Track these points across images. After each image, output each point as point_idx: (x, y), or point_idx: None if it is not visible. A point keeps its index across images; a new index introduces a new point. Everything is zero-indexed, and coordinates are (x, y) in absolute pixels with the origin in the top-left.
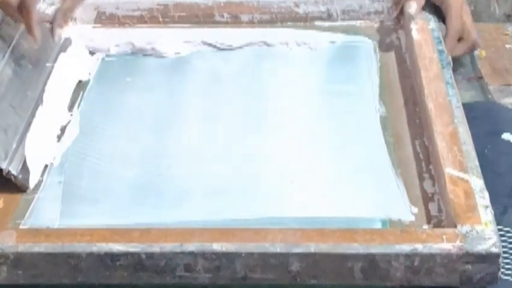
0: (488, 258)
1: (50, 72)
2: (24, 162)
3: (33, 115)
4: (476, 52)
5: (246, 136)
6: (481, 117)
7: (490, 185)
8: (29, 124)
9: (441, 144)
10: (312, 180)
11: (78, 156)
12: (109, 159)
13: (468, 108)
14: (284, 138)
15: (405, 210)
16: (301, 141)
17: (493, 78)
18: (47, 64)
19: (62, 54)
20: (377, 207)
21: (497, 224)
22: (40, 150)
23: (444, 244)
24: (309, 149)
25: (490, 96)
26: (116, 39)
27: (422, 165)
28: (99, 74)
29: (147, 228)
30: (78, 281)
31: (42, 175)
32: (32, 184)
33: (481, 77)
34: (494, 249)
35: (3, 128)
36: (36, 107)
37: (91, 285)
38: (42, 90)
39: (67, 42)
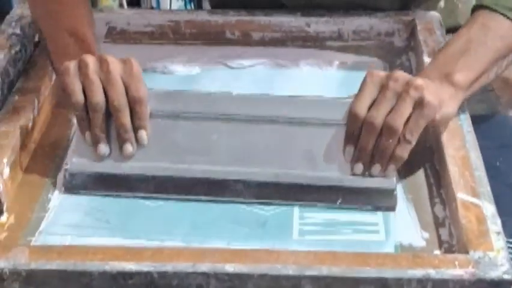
0: (501, 285)
1: None
2: None
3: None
4: None
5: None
6: (492, 130)
7: (502, 197)
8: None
9: (453, 169)
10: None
11: None
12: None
13: (479, 120)
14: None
15: (417, 236)
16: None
17: (504, 91)
18: None
19: None
20: (388, 232)
21: (510, 237)
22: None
23: (456, 270)
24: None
25: (501, 108)
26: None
27: (433, 189)
28: None
29: (160, 247)
30: None
31: (52, 193)
32: None
33: (492, 90)
34: (507, 276)
35: None
36: None
37: None
38: None
39: None
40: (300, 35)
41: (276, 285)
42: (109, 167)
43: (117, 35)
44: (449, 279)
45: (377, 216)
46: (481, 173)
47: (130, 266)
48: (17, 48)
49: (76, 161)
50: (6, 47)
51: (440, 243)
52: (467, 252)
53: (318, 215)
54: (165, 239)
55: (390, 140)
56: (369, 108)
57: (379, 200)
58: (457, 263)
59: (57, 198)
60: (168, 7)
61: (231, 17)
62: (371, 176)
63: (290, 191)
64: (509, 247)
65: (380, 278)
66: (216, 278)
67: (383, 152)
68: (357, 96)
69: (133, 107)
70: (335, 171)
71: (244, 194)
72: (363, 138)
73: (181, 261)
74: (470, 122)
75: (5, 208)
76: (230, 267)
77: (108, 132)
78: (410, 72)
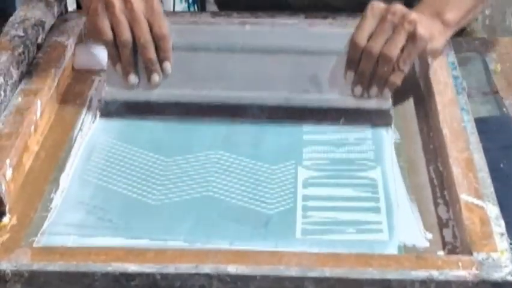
0: (504, 287)
1: None
2: None
3: None
4: (491, 66)
5: (257, 161)
6: (496, 132)
7: (505, 199)
8: None
9: (457, 171)
10: (324, 205)
11: (91, 175)
12: (125, 179)
13: (483, 122)
14: (294, 164)
15: (420, 236)
16: (313, 167)
17: (509, 93)
18: None
19: None
20: (391, 232)
21: None
22: None
23: (460, 271)
24: (320, 174)
25: (505, 110)
26: None
27: (436, 191)
28: None
29: (162, 248)
30: None
31: (55, 192)
32: None
33: (496, 91)
34: (511, 278)
35: None
36: None
37: None
38: None
39: None
40: None
41: (279, 287)
42: (138, 94)
43: None
44: (453, 280)
45: (381, 216)
46: (484, 174)
47: (133, 267)
48: (20, 50)
49: (109, 90)
50: (9, 49)
51: (444, 244)
52: (470, 253)
53: (321, 214)
54: (168, 238)
55: (386, 68)
56: (369, 38)
57: (377, 118)
58: (460, 264)
59: (60, 199)
60: (172, 9)
61: (234, 19)
62: (369, 97)
63: (299, 113)
64: None
65: (383, 280)
66: (219, 279)
67: (380, 77)
68: (358, 27)
69: (158, 42)
70: (338, 94)
71: (258, 116)
72: (362, 64)
73: (184, 263)
74: (474, 124)
75: (7, 209)
76: (232, 269)
77: (136, 64)
78: (414, 73)
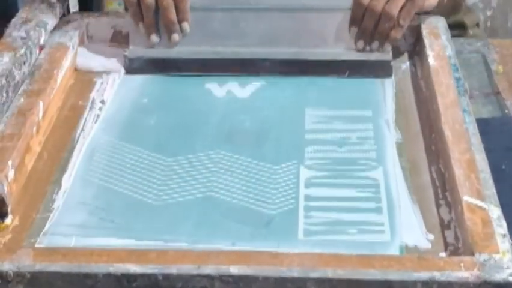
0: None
1: None
2: None
3: None
4: (493, 67)
5: (259, 161)
6: (498, 133)
7: (507, 200)
8: None
9: (459, 172)
10: (326, 206)
11: (93, 176)
12: (127, 180)
13: (485, 123)
14: (296, 164)
15: (422, 237)
16: (315, 167)
17: (510, 94)
18: None
19: None
20: (393, 233)
21: None
22: None
23: (462, 272)
24: (323, 174)
25: (507, 111)
26: None
27: (438, 192)
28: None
29: (164, 249)
30: None
31: (57, 193)
32: None
33: (498, 92)
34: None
35: None
36: None
37: None
38: None
39: None
40: None
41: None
42: (159, 52)
43: (123, 39)
44: (455, 281)
45: (383, 216)
46: (486, 175)
47: (134, 268)
48: (22, 51)
49: (133, 49)
50: (12, 50)
51: (446, 246)
52: (472, 254)
53: (323, 214)
54: (169, 239)
55: (387, 24)
56: None
57: (379, 70)
58: (462, 265)
59: (61, 199)
60: None
61: None
62: (371, 51)
63: (307, 66)
64: None
65: (385, 281)
66: (221, 280)
67: (381, 33)
68: None
69: (177, 4)
70: (343, 48)
71: (270, 70)
72: (365, 21)
73: (186, 263)
74: (476, 125)
75: (9, 210)
76: (234, 269)
77: (157, 24)
78: (416, 77)
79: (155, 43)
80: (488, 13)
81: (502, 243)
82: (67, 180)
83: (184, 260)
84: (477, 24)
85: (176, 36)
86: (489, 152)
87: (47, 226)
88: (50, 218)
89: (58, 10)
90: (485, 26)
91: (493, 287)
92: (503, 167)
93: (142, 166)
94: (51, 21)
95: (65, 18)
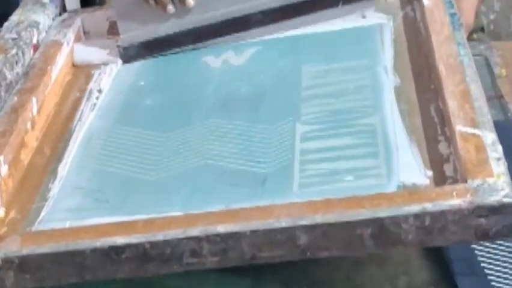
0: (502, 210)
1: None
2: None
3: None
4: (496, 71)
5: (255, 123)
6: (501, 136)
7: None
8: None
9: (453, 104)
10: (322, 157)
11: (88, 161)
12: (122, 160)
13: None
14: (292, 120)
15: (420, 174)
16: (310, 121)
17: None
18: None
19: None
20: (390, 174)
21: None
22: None
23: (454, 200)
24: (318, 127)
25: (510, 115)
26: None
27: (437, 128)
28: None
29: (151, 218)
30: (86, 278)
31: (52, 182)
32: None
33: (500, 96)
34: (507, 200)
35: None
36: None
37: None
38: None
39: None
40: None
41: (271, 240)
42: (151, 33)
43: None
44: (447, 209)
45: (379, 161)
46: (480, 103)
47: (121, 240)
48: (13, 52)
49: (124, 37)
50: (2, 51)
51: (445, 179)
52: (465, 181)
53: (319, 166)
54: (164, 210)
55: None
56: None
57: None
58: (454, 193)
59: (55, 187)
60: None
61: None
62: None
63: (301, 6)
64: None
65: (375, 219)
66: (208, 240)
67: None
68: None
69: None
70: None
71: (264, 22)
72: None
73: (173, 229)
74: (471, 56)
75: (1, 203)
76: (221, 228)
77: None
78: (415, 21)
79: (173, 13)
80: (491, 17)
81: (497, 167)
82: (63, 168)
83: (171, 226)
84: (482, 29)
85: (171, 7)
86: None
87: (42, 214)
88: (45, 206)
89: (52, 10)
90: (488, 30)
91: (488, 211)
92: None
93: (137, 145)
94: (45, 21)
95: (60, 17)
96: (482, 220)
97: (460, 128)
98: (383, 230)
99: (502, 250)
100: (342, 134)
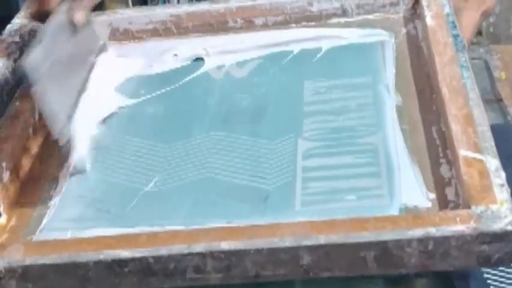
0: (505, 237)
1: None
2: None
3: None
4: (495, 74)
5: (257, 138)
6: (500, 140)
7: None
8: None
9: (456, 127)
10: (324, 175)
11: (90, 169)
12: (124, 170)
13: None
14: (294, 137)
15: (422, 197)
16: (313, 138)
17: None
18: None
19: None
20: (392, 196)
21: None
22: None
23: (457, 226)
24: (320, 144)
25: (509, 118)
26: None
27: (439, 150)
28: None
29: (154, 232)
30: None
31: (54, 190)
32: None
33: (500, 99)
34: (510, 228)
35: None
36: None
37: None
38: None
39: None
40: (303, 15)
41: (275, 259)
42: None
43: (121, 36)
44: (450, 235)
45: (381, 180)
46: (484, 128)
47: (125, 253)
48: (16, 56)
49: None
50: (5, 55)
51: (447, 203)
52: (469, 207)
53: (321, 184)
54: (165, 223)
55: None
56: None
57: None
58: (458, 219)
59: (57, 196)
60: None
61: (232, 4)
62: None
63: None
64: None
65: (379, 242)
66: (212, 257)
67: None
68: None
69: None
70: None
71: None
72: None
73: (177, 244)
74: (474, 80)
75: (2, 210)
76: (225, 245)
77: None
78: (417, 39)
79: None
80: (491, 19)
81: (500, 193)
82: (64, 176)
83: (175, 241)
84: (480, 33)
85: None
86: None
87: (43, 222)
88: (46, 215)
89: None
90: (488, 32)
91: (491, 238)
92: (506, 174)
93: (138, 155)
94: None
95: None
96: (485, 247)
97: (463, 152)
98: (386, 253)
99: None
100: (344, 152)
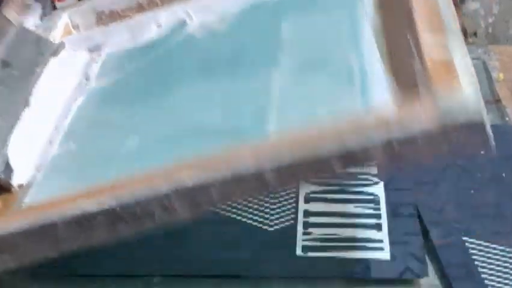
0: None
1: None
2: (8, 163)
3: (18, 118)
4: (494, 75)
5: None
6: (498, 141)
7: (507, 209)
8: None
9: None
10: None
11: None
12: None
13: None
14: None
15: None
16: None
17: (511, 101)
18: (37, 69)
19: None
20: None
21: None
22: (27, 150)
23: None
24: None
25: (507, 119)
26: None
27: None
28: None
29: (115, 180)
30: (62, 250)
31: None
32: (16, 182)
33: (498, 100)
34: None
35: None
36: (22, 110)
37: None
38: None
39: (61, 47)
40: None
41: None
42: None
43: (107, 19)
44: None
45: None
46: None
47: (90, 207)
48: None
49: None
50: None
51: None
52: (433, 97)
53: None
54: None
55: None
56: None
57: None
58: (423, 115)
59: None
60: None
61: None
62: None
63: None
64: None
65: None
66: (177, 194)
67: None
68: None
69: None
70: None
71: None
72: None
73: (140, 187)
74: None
75: None
76: (188, 180)
77: None
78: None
79: None
80: (490, 20)
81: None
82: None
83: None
84: (475, 33)
85: None
86: (489, 160)
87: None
88: (28, 194)
89: (37, 10)
90: (487, 33)
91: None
92: (504, 175)
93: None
94: (28, 22)
95: (48, 16)
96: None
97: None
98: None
99: (498, 254)
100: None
